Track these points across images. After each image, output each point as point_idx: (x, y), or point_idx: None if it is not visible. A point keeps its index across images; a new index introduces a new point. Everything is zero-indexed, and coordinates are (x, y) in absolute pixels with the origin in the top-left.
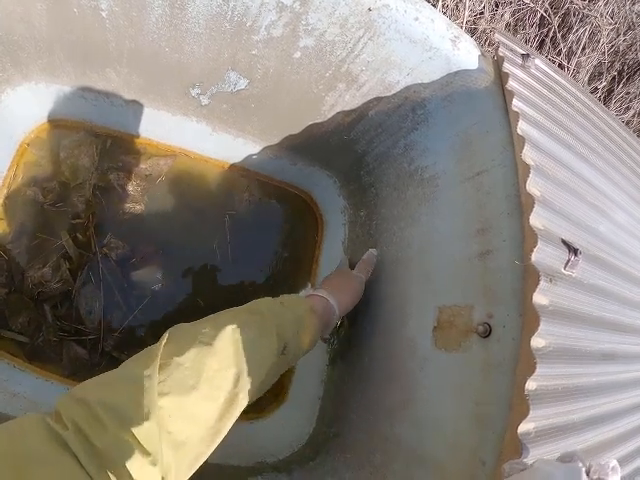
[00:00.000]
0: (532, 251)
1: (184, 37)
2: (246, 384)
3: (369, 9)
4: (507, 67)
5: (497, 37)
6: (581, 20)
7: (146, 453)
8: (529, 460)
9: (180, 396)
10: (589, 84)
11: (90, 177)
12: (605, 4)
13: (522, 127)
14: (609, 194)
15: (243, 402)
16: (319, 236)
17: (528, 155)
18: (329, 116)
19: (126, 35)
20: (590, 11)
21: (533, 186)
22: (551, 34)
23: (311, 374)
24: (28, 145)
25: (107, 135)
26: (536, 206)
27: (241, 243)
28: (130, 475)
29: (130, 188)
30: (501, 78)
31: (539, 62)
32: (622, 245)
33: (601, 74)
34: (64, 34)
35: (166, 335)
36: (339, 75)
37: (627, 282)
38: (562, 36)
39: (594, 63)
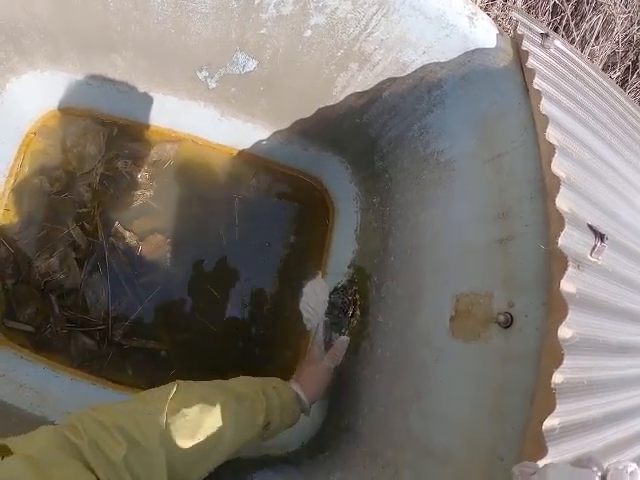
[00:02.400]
0: (559, 235)
1: (190, 18)
2: (225, 446)
3: None
4: (527, 45)
5: (515, 15)
6: (594, 8)
7: (151, 465)
8: (548, 460)
9: (179, 439)
10: None
11: (97, 165)
12: None
13: (545, 106)
14: (631, 179)
15: (216, 458)
16: (330, 224)
17: (552, 135)
18: (341, 98)
19: (131, 18)
20: None
21: (558, 167)
22: (564, 22)
23: None
24: (35, 134)
25: (113, 123)
26: (562, 188)
27: (250, 230)
28: None
29: (137, 175)
30: (520, 57)
31: (558, 43)
32: None
33: (615, 64)
34: (68, 20)
35: (175, 387)
36: (351, 54)
37: None
38: (575, 24)
39: (608, 52)
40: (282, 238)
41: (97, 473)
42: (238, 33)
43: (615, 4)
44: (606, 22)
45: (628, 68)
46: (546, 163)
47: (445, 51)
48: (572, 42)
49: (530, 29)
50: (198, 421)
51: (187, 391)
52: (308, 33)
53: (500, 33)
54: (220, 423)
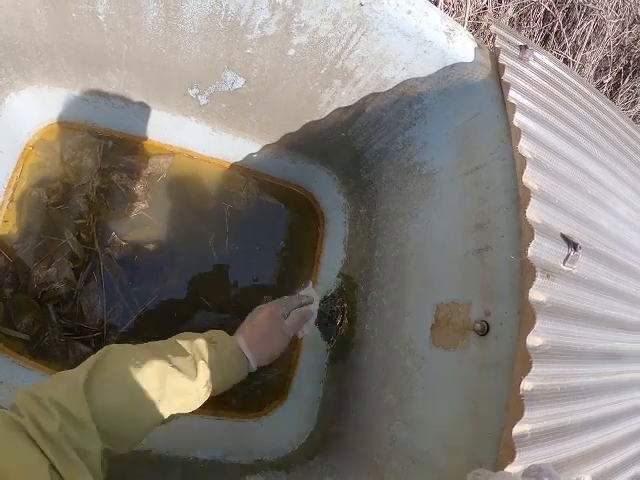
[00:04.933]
0: (529, 246)
1: (180, 38)
2: (156, 405)
3: (361, 4)
4: (503, 59)
5: (493, 29)
6: (586, 14)
7: (83, 429)
8: (517, 466)
9: (104, 399)
10: (595, 79)
11: (93, 178)
12: None
13: (518, 119)
14: (612, 187)
15: (150, 416)
16: (320, 234)
17: (525, 147)
18: (326, 113)
19: (124, 38)
20: (595, 5)
21: (530, 179)
22: (555, 29)
23: (311, 374)
24: (33, 147)
25: (109, 136)
26: (532, 199)
27: (241, 241)
28: (73, 451)
29: (132, 188)
30: (498, 70)
31: (538, 54)
32: (625, 239)
33: (607, 69)
34: (64, 38)
35: (105, 350)
36: (334, 72)
37: (630, 278)
38: (567, 31)
39: (599, 58)
40: (274, 248)
41: (42, 449)
42: (225, 53)
43: (606, 9)
44: (597, 27)
45: (620, 72)
46: (520, 175)
47: (424, 66)
48: (564, 48)
49: (509, 42)
50: (123, 385)
51: (115, 354)
52: (292, 52)
53: (479, 47)
54: (148, 386)
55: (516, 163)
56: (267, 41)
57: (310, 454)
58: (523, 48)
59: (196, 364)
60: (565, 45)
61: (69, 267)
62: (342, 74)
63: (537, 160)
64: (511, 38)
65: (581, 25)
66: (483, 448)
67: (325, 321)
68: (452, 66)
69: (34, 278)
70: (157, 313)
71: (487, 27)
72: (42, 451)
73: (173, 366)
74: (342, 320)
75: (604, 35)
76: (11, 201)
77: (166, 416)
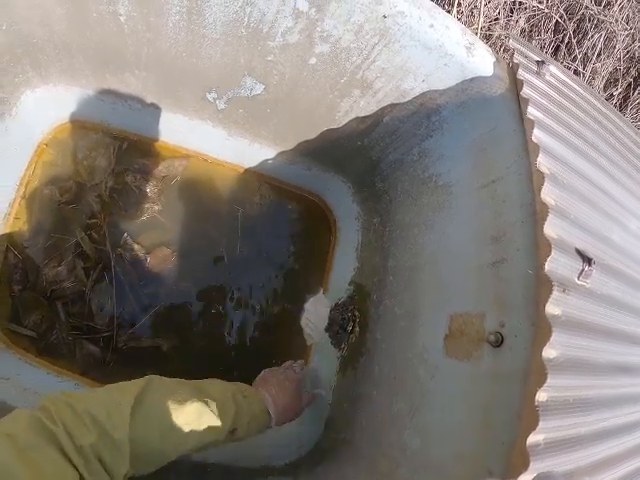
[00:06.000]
0: (545, 260)
1: (201, 42)
2: (187, 445)
3: (384, 16)
4: (522, 74)
5: (512, 44)
6: (596, 26)
7: (117, 451)
8: (529, 474)
9: (144, 432)
10: (605, 90)
11: (106, 178)
12: (620, 9)
13: (537, 135)
14: (623, 202)
15: (176, 453)
16: (332, 242)
17: (543, 163)
18: (344, 122)
19: (144, 40)
20: (605, 17)
21: (548, 195)
22: (566, 40)
23: (321, 380)
24: (46, 145)
25: (124, 137)
26: (550, 215)
27: (254, 246)
28: (105, 469)
29: (146, 189)
30: (516, 85)
31: (554, 69)
32: (637, 255)
33: (617, 80)
34: (83, 38)
35: (147, 381)
36: (354, 81)
37: None
38: (577, 42)
39: (609, 69)
40: (285, 253)
41: (71, 458)
42: (246, 59)
43: (617, 21)
44: (608, 39)
45: (630, 84)
46: (537, 190)
47: (444, 79)
48: (574, 60)
49: (526, 57)
50: (164, 417)
51: (159, 386)
52: (313, 61)
53: (497, 61)
54: (185, 422)
55: (534, 178)
56: (289, 49)
57: (318, 460)
58: (540, 63)
59: (228, 411)
60: (575, 56)
61: (79, 266)
62: (362, 84)
63: (554, 176)
64: (529, 53)
65: (592, 37)
66: (494, 457)
67: (336, 329)
68: (471, 79)
69: (44, 276)
70: (167, 315)
71: (499, 38)
72: (74, 465)
73: (210, 410)
74: (353, 328)
75: (614, 47)
76: (23, 198)
77: (192, 451)
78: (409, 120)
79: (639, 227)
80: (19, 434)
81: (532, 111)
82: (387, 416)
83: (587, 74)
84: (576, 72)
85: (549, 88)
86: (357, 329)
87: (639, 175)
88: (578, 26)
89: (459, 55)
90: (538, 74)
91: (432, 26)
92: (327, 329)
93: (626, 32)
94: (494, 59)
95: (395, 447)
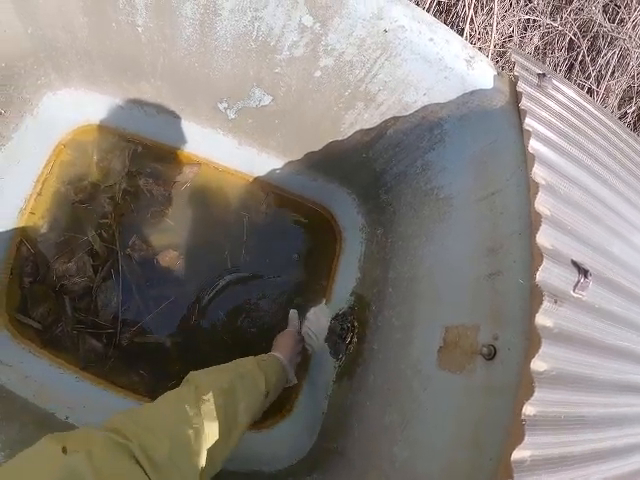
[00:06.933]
0: (537, 270)
1: (213, 54)
2: (243, 419)
3: (385, 30)
4: (521, 86)
5: (514, 57)
6: (610, 43)
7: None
8: None
9: (207, 425)
10: (619, 109)
11: (120, 180)
12: (634, 26)
13: (533, 145)
14: (628, 216)
15: (237, 433)
16: (337, 252)
17: (538, 173)
18: (349, 134)
19: (160, 50)
20: (619, 34)
21: (542, 205)
22: (580, 58)
23: (317, 389)
24: (64, 146)
25: (139, 142)
26: (543, 225)
27: (260, 253)
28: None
29: (157, 193)
30: (516, 97)
31: (557, 82)
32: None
33: (631, 98)
34: (103, 46)
35: (193, 385)
36: (358, 94)
37: None
38: (591, 60)
39: (624, 87)
40: (289, 262)
41: (149, 474)
42: (255, 70)
43: (630, 38)
44: (621, 57)
45: None
46: (533, 200)
47: (445, 92)
48: (588, 78)
49: (527, 70)
50: (217, 404)
51: (202, 382)
52: (318, 74)
53: (499, 74)
54: (235, 401)
55: (530, 189)
56: (295, 62)
57: (309, 469)
58: (542, 76)
59: (260, 378)
60: (589, 74)
61: (89, 263)
62: (365, 97)
63: (551, 186)
64: (530, 66)
65: (605, 54)
66: (482, 473)
67: (335, 339)
68: (472, 92)
69: (54, 271)
70: (170, 316)
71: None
72: (148, 477)
73: (249, 384)
74: (352, 338)
75: (628, 64)
76: (39, 195)
77: (244, 429)
78: (412, 133)
79: None
80: (95, 448)
81: (529, 122)
82: (379, 427)
83: (601, 92)
84: (590, 90)
85: (550, 101)
86: (355, 340)
87: None
88: (592, 44)
89: (459, 68)
90: (540, 87)
91: (432, 40)
92: (326, 339)
93: None
94: (495, 72)
95: (385, 459)
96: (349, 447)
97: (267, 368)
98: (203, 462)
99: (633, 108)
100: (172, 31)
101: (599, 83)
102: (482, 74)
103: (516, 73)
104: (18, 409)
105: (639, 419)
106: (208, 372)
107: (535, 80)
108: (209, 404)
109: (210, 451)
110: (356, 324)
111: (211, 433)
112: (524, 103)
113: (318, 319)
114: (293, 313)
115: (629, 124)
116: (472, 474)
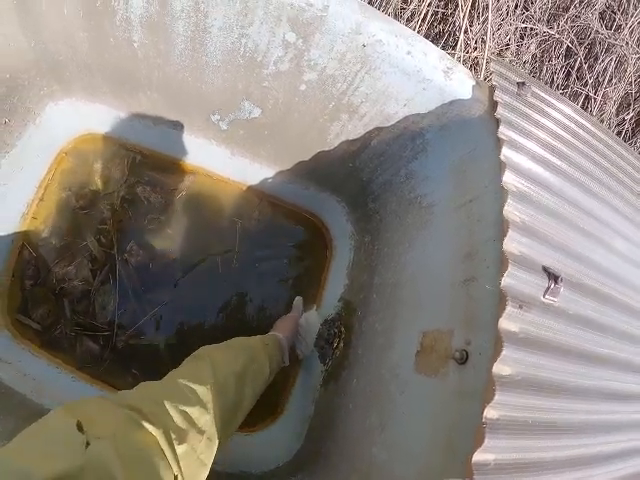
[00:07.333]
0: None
1: (204, 69)
2: (247, 399)
3: (363, 45)
4: (498, 95)
5: (492, 66)
6: (607, 50)
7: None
8: None
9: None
10: (617, 115)
11: (119, 188)
12: (630, 33)
13: (505, 153)
14: (609, 222)
15: (243, 411)
16: (328, 259)
17: (508, 181)
18: (335, 144)
19: (155, 65)
20: (616, 40)
21: (512, 212)
22: (577, 65)
23: (305, 394)
24: (66, 154)
25: (138, 151)
26: (511, 231)
27: (253, 260)
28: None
29: (154, 201)
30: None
31: (538, 90)
32: (621, 274)
33: (629, 105)
34: (102, 60)
35: (207, 359)
36: (341, 106)
37: (624, 314)
38: (588, 67)
39: (621, 93)
40: (281, 269)
41: (171, 464)
42: (244, 84)
43: (627, 44)
44: (619, 63)
45: None
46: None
47: (424, 103)
48: (585, 85)
49: (507, 78)
50: (229, 386)
51: (217, 361)
52: (303, 87)
53: (478, 84)
54: (244, 385)
55: (503, 196)
56: (281, 76)
57: (293, 472)
58: (521, 85)
59: (264, 355)
60: (587, 81)
61: (88, 268)
62: (348, 109)
63: (522, 193)
64: (510, 75)
65: (602, 61)
66: (452, 475)
67: (322, 344)
68: (450, 103)
69: (54, 274)
70: (165, 318)
71: (510, 63)
72: (170, 464)
73: (259, 360)
74: (338, 343)
75: (626, 71)
76: (41, 200)
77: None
78: (395, 143)
79: (626, 247)
80: (118, 431)
81: (503, 130)
82: (361, 430)
83: (599, 99)
84: (587, 97)
85: (529, 109)
86: (341, 344)
87: (631, 195)
88: (589, 51)
89: (437, 79)
90: (519, 95)
91: (409, 53)
92: (315, 344)
93: (637, 55)
94: (473, 82)
95: (365, 461)
96: (333, 450)
97: (271, 352)
98: (214, 453)
99: (631, 114)
100: (166, 47)
101: (597, 90)
102: (460, 84)
103: (494, 82)
104: (16, 404)
105: (620, 427)
106: (219, 348)
107: (514, 89)
108: (223, 385)
109: (219, 432)
110: (343, 329)
111: (221, 415)
112: (499, 112)
113: (309, 325)
114: (298, 300)
115: (627, 130)
116: (445, 475)
